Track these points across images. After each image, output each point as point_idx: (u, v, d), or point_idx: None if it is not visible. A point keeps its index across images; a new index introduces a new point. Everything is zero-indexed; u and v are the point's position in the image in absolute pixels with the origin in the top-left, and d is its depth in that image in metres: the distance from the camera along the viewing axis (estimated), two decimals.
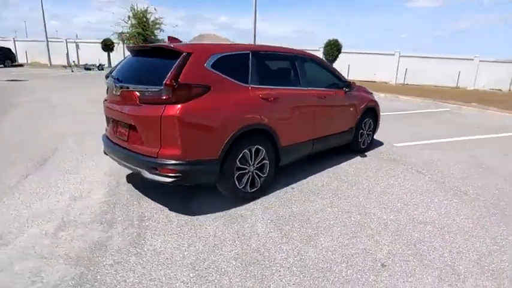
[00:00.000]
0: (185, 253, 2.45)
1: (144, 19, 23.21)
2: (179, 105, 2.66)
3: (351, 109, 4.70)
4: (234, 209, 3.15)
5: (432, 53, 24.56)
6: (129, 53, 3.46)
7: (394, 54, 24.69)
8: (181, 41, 3.42)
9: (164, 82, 2.64)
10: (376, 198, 3.49)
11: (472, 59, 22.91)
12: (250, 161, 3.22)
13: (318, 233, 2.77)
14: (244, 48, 3.31)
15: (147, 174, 2.83)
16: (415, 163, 4.73)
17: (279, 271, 2.26)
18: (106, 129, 3.62)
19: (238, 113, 3.05)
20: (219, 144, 2.90)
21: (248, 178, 3.25)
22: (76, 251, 2.46)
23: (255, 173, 3.31)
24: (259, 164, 3.34)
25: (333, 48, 17.48)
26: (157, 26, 23.78)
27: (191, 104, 2.71)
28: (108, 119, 3.38)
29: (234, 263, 2.34)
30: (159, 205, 3.21)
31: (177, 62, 2.73)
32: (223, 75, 3.00)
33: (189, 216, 3.00)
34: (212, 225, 2.87)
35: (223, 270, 2.26)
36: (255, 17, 21.08)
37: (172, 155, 2.73)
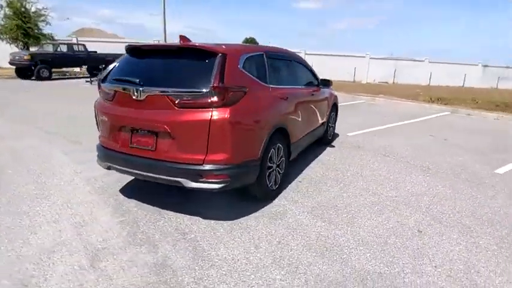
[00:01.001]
0: (258, 255, 2.51)
1: (23, 9, 19.54)
2: (228, 109, 2.65)
3: (326, 104, 5.28)
4: (267, 207, 3.28)
5: (330, 50, 28.15)
6: (128, 53, 3.17)
7: (301, 52, 27.31)
8: (190, 40, 3.30)
9: (212, 85, 2.59)
10: (372, 180, 4.11)
11: (364, 56, 27.24)
12: (274, 159, 3.39)
13: (354, 216, 3.16)
14: (259, 49, 3.43)
15: (191, 184, 2.71)
16: (375, 149, 5.62)
17: (352, 252, 2.56)
18: (103, 139, 3.21)
19: (271, 113, 3.19)
20: (260, 145, 2.99)
21: (274, 176, 3.41)
22: (139, 279, 2.23)
23: (277, 170, 3.50)
24: (280, 161, 3.53)
25: None
26: (42, 18, 20.34)
27: (237, 107, 2.73)
28: (113, 127, 3.02)
29: (310, 254, 2.53)
30: (187, 215, 3.08)
31: (216, 64, 2.70)
32: (252, 76, 3.09)
33: (230, 221, 3.00)
34: (259, 225, 2.95)
35: (306, 261, 2.43)
36: (164, 13, 20.24)
37: (220, 160, 2.70)
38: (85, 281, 2.18)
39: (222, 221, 2.99)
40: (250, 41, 18.37)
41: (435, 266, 2.41)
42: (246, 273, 2.29)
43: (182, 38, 3.20)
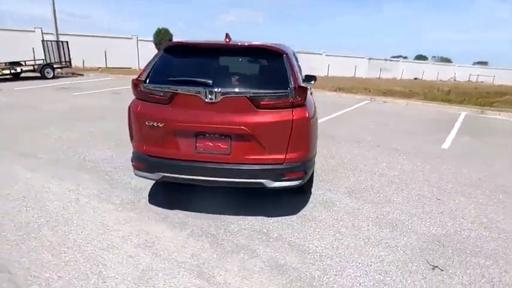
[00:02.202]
0: (348, 239, 2.82)
1: None
2: (305, 107, 2.83)
3: None
4: (312, 198, 3.58)
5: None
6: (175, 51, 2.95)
7: None
8: (231, 39, 3.24)
9: (294, 85, 2.72)
10: (369, 164, 4.81)
11: None
12: None
13: (385, 195, 3.76)
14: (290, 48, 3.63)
15: (273, 184, 2.80)
16: (344, 137, 6.43)
17: (411, 223, 3.13)
18: (148, 148, 2.91)
19: (315, 108, 3.45)
20: (316, 139, 3.24)
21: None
22: (269, 282, 2.28)
23: None
24: None
25: (165, 38, 17.46)
26: None
27: (308, 105, 2.92)
28: (170, 133, 2.79)
29: (385, 230, 2.98)
30: (249, 217, 3.13)
31: (286, 64, 2.83)
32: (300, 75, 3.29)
33: (294, 216, 3.19)
34: (322, 214, 3.24)
35: (388, 237, 2.87)
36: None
37: (298, 158, 2.86)
38: None
39: (286, 217, 3.17)
40: (164, 32, 17.42)
41: (471, 222, 3.20)
42: (354, 256, 2.60)
43: (228, 36, 3.14)
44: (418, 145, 6.02)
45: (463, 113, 9.92)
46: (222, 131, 2.75)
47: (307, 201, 3.50)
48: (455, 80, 31.65)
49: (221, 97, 2.67)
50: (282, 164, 2.81)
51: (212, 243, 2.71)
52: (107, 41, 21.71)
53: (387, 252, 2.67)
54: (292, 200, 3.50)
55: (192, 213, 3.16)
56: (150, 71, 2.89)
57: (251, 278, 2.31)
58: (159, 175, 2.90)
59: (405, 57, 44.90)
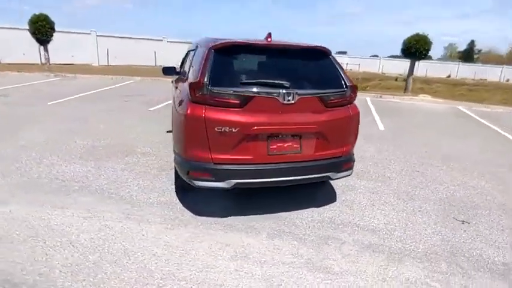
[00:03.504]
0: (394, 213, 3.40)
1: None
2: (355, 104, 3.22)
3: None
4: (334, 184, 4.03)
5: (123, 33, 26.68)
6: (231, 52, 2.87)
7: (90, 34, 24.27)
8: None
9: (350, 84, 3.06)
10: None
11: (162, 40, 27.68)
12: None
13: (382, 174, 4.51)
14: None
15: (336, 175, 3.13)
16: None
17: (419, 192, 3.95)
18: (215, 156, 2.78)
19: None
20: None
21: None
22: (377, 263, 2.64)
23: None
24: None
25: (46, 26, 14.58)
26: None
27: None
28: (243, 137, 2.74)
29: (408, 203, 3.69)
30: (299, 211, 3.36)
31: (336, 63, 3.14)
32: None
33: (337, 203, 3.60)
34: (356, 198, 3.73)
35: (416, 206, 3.59)
36: None
37: (349, 150, 3.25)
38: None
39: (331, 204, 3.55)
40: (44, 19, 14.47)
41: (453, 185, 4.23)
42: (409, 225, 3.20)
43: (270, 35, 3.20)
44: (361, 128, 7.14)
45: (367, 98, 11.98)
46: (295, 131, 2.89)
47: (334, 188, 3.94)
48: None
49: (298, 98, 2.80)
50: (341, 156, 3.15)
51: (298, 240, 2.87)
52: None
53: (426, 217, 3.36)
54: (320, 189, 3.88)
55: (249, 216, 3.19)
56: (209, 74, 2.76)
57: (358, 260, 2.62)
58: (230, 183, 2.82)
59: None
